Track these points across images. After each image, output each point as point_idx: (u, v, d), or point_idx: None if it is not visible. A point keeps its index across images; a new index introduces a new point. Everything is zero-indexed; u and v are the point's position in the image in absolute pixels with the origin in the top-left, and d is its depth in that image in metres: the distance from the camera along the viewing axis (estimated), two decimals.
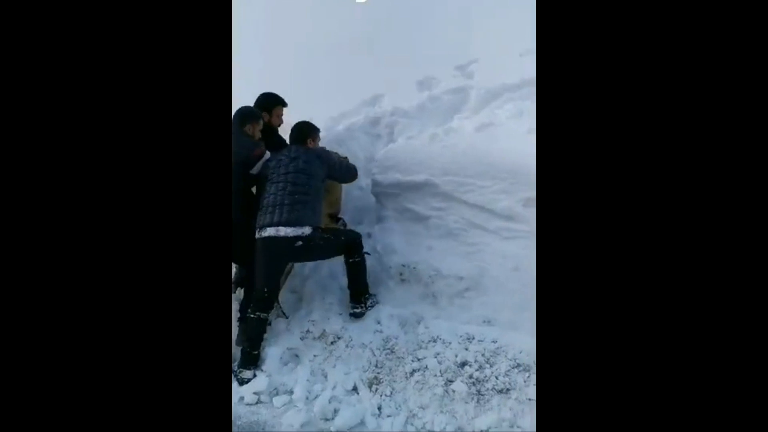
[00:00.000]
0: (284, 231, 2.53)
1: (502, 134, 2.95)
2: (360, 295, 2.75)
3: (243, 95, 2.86)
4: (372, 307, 2.76)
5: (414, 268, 2.85)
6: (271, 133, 3.04)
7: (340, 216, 3.21)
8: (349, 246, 2.74)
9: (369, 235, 3.09)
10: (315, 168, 2.71)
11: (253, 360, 2.56)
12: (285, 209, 2.56)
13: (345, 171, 2.91)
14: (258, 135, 2.89)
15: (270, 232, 2.55)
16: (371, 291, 2.83)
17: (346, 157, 3.14)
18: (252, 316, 2.59)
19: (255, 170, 2.77)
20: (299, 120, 2.98)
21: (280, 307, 2.95)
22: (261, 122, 2.91)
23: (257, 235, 2.59)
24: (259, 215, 2.63)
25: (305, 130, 2.91)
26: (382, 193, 3.10)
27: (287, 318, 2.87)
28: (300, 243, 2.55)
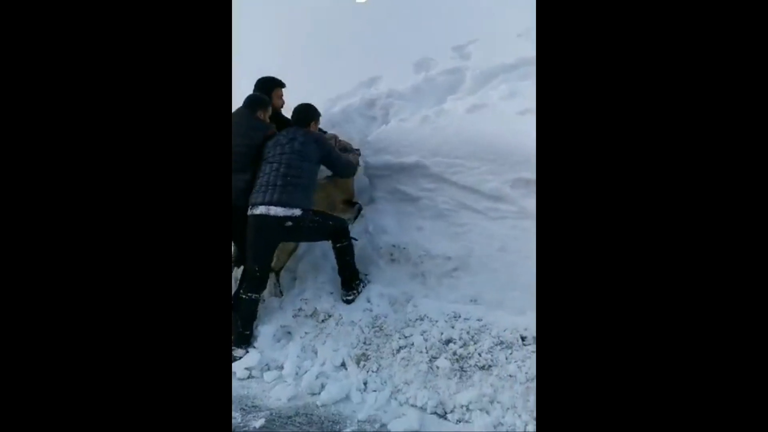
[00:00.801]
0: (275, 210, 2.58)
1: (493, 115, 2.95)
2: (351, 281, 2.80)
3: (240, 79, 2.90)
4: (364, 287, 2.83)
5: (404, 248, 2.91)
6: (274, 114, 3.11)
7: (355, 201, 3.27)
8: (336, 231, 2.78)
9: (362, 216, 3.15)
10: (310, 151, 2.73)
11: (245, 339, 2.65)
12: (277, 189, 2.61)
13: (340, 163, 2.87)
14: (268, 120, 2.97)
15: (261, 210, 2.60)
16: (362, 272, 2.90)
17: (358, 150, 3.19)
18: (244, 296, 2.68)
19: None
20: (300, 102, 2.99)
21: (279, 286, 3.03)
22: (270, 108, 2.99)
23: (249, 213, 2.66)
24: (252, 193, 2.69)
25: (307, 113, 2.93)
26: (374, 174, 3.15)
27: (281, 296, 2.96)
28: (290, 223, 2.61)
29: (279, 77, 3.20)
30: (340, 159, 2.89)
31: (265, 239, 2.68)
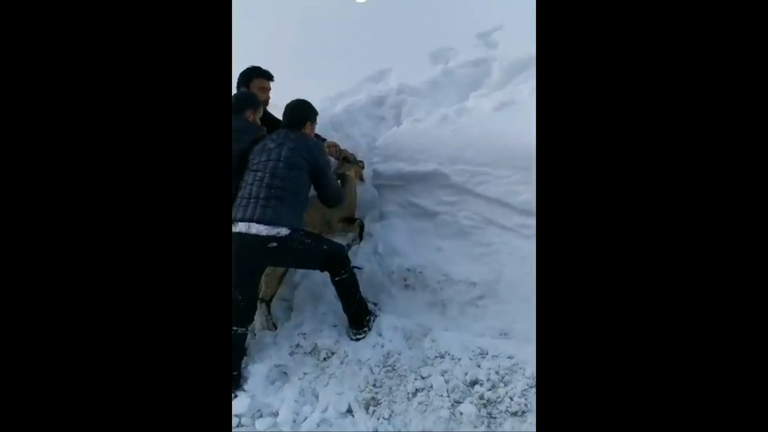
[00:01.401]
0: (256, 228, 2.55)
1: (524, 114, 2.97)
2: (360, 319, 2.78)
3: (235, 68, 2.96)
4: (375, 320, 2.82)
5: (420, 272, 2.93)
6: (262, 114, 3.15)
7: (356, 217, 3.31)
8: (332, 259, 2.72)
9: (369, 235, 3.18)
10: (300, 159, 2.70)
11: (233, 381, 2.67)
12: (260, 203, 2.58)
13: (327, 186, 2.83)
14: (258, 122, 3.00)
15: (241, 227, 2.56)
16: (372, 300, 2.92)
17: (361, 162, 3.23)
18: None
19: None
20: (296, 99, 2.98)
21: (271, 318, 3.06)
22: (260, 109, 3.01)
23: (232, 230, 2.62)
24: (234, 207, 2.66)
25: (302, 112, 2.91)
26: (384, 185, 3.19)
27: (275, 330, 2.99)
28: (274, 244, 2.56)
29: (269, 71, 3.24)
30: (328, 181, 2.84)
31: (247, 262, 2.62)
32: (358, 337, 2.78)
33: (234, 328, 2.67)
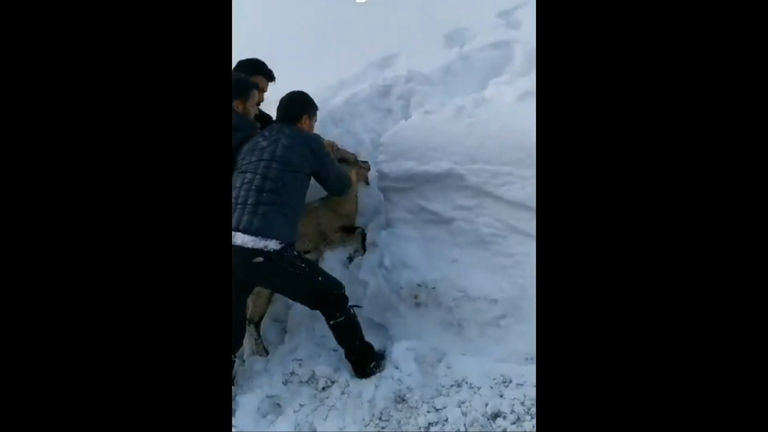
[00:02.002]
0: (242, 239, 2.57)
1: None
2: (364, 366, 2.81)
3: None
4: (383, 369, 2.84)
5: (433, 288, 2.99)
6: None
7: (357, 225, 3.40)
8: (325, 296, 2.74)
9: (374, 245, 3.24)
10: (298, 158, 2.76)
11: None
12: (247, 210, 2.63)
13: (334, 175, 2.95)
14: (252, 112, 3.05)
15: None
16: (377, 320, 3.00)
17: (366, 163, 3.34)
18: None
19: None
20: (292, 90, 3.07)
21: (261, 342, 3.14)
22: (255, 94, 3.05)
23: None
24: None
25: (298, 105, 2.99)
26: (391, 188, 3.24)
27: (267, 355, 3.06)
28: (260, 259, 2.58)
29: (272, 71, 3.33)
30: (334, 169, 2.94)
31: (233, 279, 2.58)
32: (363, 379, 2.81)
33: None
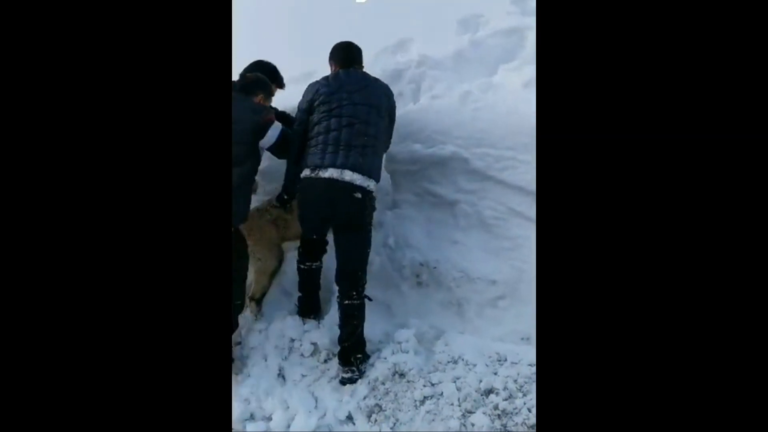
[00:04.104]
0: (350, 176, 2.75)
1: None
2: (351, 353, 2.84)
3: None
4: (366, 369, 2.88)
5: (434, 268, 3.09)
6: None
7: None
8: (359, 269, 2.87)
9: (380, 224, 3.32)
10: (383, 105, 2.92)
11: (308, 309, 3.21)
12: (354, 152, 2.78)
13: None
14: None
15: (333, 173, 2.75)
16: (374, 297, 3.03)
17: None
18: (303, 266, 3.11)
19: (265, 143, 2.93)
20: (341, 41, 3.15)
21: (262, 317, 3.23)
22: (271, 95, 3.17)
23: (310, 174, 2.82)
24: (311, 154, 2.84)
25: (358, 50, 3.11)
26: (397, 170, 3.32)
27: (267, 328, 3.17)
28: (358, 195, 2.76)
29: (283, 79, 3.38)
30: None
31: (326, 210, 2.83)
32: (345, 376, 2.83)
33: (308, 263, 3.07)
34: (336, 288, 2.92)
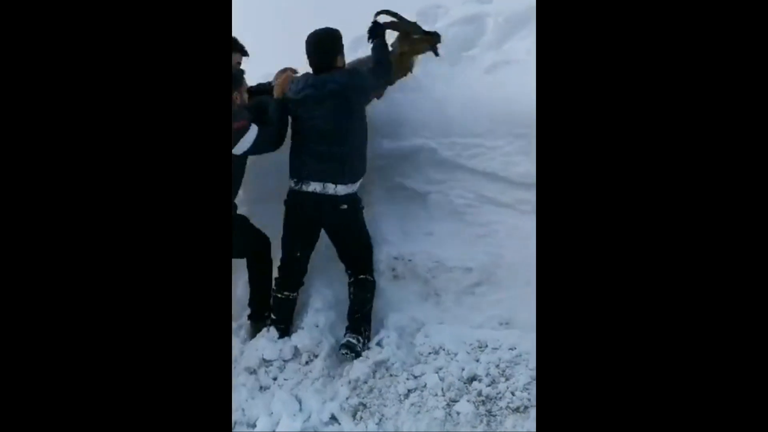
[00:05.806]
0: (333, 189, 2.84)
1: (521, 75, 3.08)
2: (360, 325, 2.92)
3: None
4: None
5: (410, 260, 3.10)
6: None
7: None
8: (368, 250, 3.00)
9: None
10: (353, 103, 2.89)
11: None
12: (332, 164, 2.83)
13: (377, 80, 3.07)
14: (240, 101, 3.04)
15: (315, 187, 2.84)
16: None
17: (436, 34, 3.37)
18: (280, 296, 3.02)
19: (238, 150, 2.84)
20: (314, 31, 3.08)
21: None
22: (244, 80, 3.08)
23: (294, 187, 2.89)
24: (293, 156, 2.91)
25: (331, 42, 3.03)
26: (366, 167, 3.29)
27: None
28: (344, 207, 2.86)
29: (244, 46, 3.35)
30: (372, 78, 3.06)
31: (314, 225, 2.97)
32: (350, 341, 2.87)
33: (286, 293, 3.01)
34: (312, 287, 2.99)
